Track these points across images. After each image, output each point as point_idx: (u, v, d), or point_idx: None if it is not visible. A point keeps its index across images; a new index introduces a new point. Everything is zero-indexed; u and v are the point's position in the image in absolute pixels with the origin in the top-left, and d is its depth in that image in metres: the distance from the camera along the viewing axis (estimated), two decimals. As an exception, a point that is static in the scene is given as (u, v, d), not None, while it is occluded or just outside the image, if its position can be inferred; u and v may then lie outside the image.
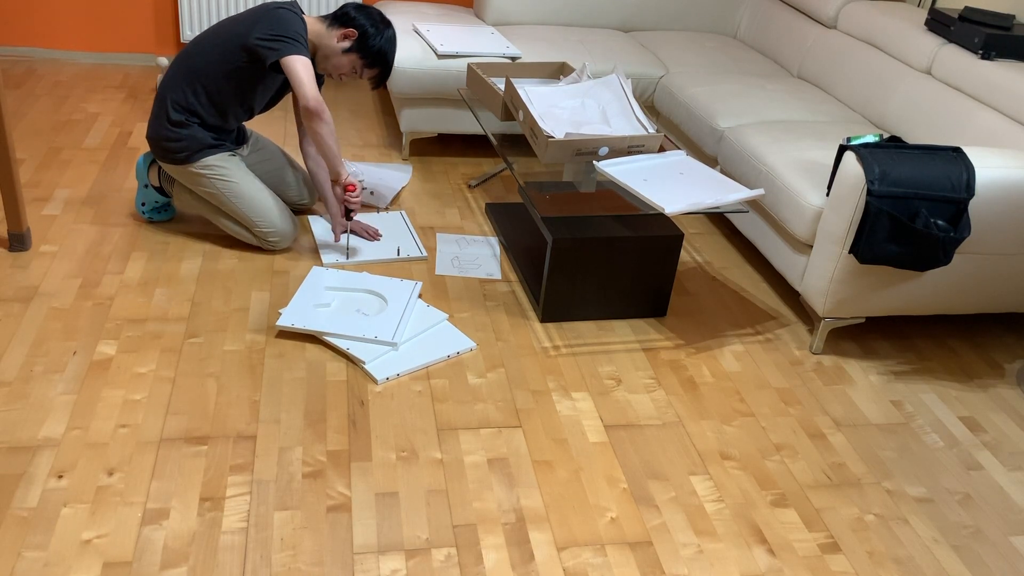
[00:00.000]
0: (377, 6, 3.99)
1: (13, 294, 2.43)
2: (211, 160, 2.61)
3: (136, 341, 2.30)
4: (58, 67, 4.08)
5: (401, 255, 2.78)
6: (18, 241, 2.62)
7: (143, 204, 2.81)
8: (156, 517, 1.79)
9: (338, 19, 2.58)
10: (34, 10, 4.04)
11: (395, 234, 2.92)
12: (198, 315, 2.43)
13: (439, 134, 3.77)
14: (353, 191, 2.61)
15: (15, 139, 3.32)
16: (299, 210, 3.00)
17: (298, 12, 2.53)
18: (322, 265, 2.71)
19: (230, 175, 2.63)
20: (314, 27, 2.58)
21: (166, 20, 4.16)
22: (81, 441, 1.96)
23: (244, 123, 2.81)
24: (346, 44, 2.57)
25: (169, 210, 2.85)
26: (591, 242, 2.50)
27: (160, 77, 3.72)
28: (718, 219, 3.36)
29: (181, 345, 2.30)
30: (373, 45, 2.58)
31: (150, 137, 2.63)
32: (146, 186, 2.78)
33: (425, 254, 2.82)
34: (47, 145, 3.30)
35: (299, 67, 2.42)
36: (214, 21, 4.07)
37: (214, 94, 2.57)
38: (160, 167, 2.76)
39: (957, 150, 2.37)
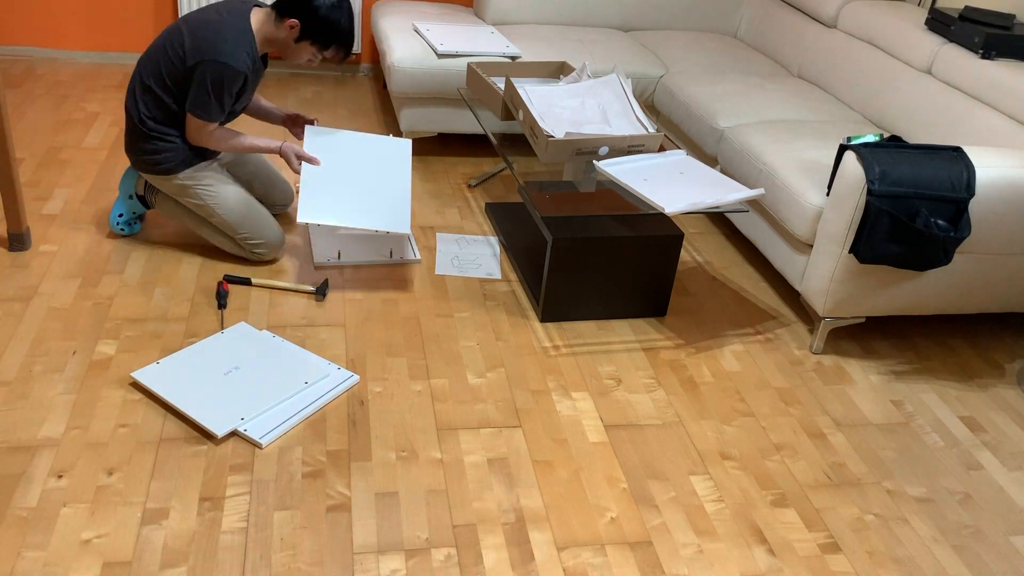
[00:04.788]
0: (376, 6, 3.99)
1: (13, 294, 2.43)
2: (194, 172, 2.54)
3: (136, 341, 2.30)
4: (58, 67, 4.07)
5: (394, 258, 2.78)
6: (18, 241, 2.62)
7: (120, 216, 2.71)
8: (156, 517, 1.79)
9: (280, 8, 2.43)
10: (34, 10, 4.04)
11: (392, 236, 2.91)
12: (198, 315, 2.43)
13: (439, 134, 3.77)
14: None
15: (15, 139, 3.32)
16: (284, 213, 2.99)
17: (241, 21, 2.42)
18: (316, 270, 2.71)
19: (215, 186, 2.56)
20: (263, 24, 2.46)
21: (166, 20, 4.16)
22: (81, 441, 1.96)
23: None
24: (294, 34, 2.44)
25: (136, 224, 2.76)
26: (591, 242, 2.50)
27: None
28: (718, 219, 3.36)
29: (181, 345, 2.30)
30: (320, 27, 2.43)
31: (128, 151, 2.55)
32: (131, 196, 2.70)
33: (419, 258, 2.81)
34: (47, 145, 3.30)
35: (191, 126, 2.48)
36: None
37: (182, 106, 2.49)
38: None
39: (957, 150, 2.36)
